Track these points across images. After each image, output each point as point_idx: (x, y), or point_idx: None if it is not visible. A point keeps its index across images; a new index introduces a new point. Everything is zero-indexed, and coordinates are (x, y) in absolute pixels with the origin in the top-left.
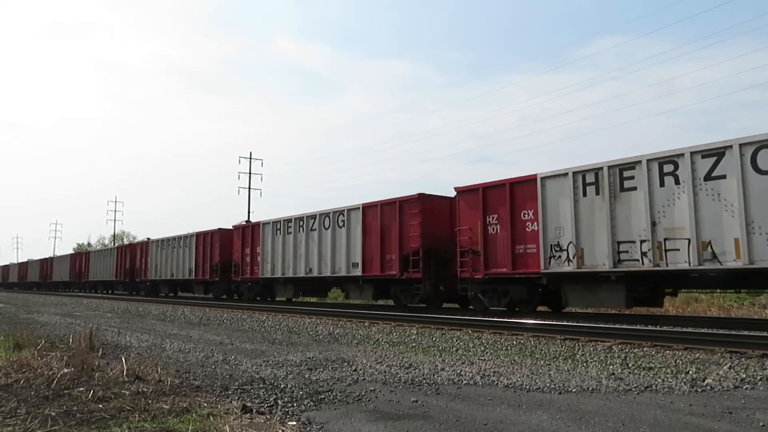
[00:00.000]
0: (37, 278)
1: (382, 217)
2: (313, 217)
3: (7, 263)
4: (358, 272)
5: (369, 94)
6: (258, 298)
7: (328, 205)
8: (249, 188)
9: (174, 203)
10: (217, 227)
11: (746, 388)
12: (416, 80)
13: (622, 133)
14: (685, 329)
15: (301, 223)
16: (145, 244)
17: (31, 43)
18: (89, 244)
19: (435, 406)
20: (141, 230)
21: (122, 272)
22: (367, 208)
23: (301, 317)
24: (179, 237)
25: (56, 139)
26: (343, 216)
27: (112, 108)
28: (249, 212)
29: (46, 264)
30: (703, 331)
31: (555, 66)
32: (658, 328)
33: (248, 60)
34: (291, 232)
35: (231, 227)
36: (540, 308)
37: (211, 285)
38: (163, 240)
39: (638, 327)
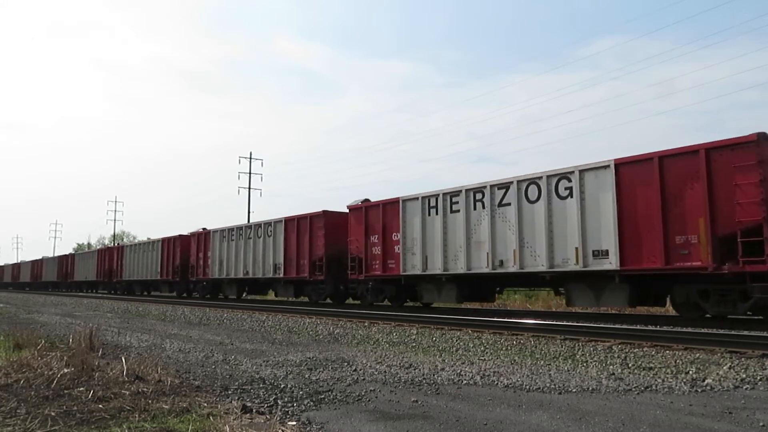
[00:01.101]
0: (29, 278)
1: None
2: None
3: (1, 264)
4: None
5: (369, 94)
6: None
7: (328, 205)
8: (249, 188)
9: (174, 203)
10: (177, 233)
11: (746, 388)
12: (416, 80)
13: (622, 133)
14: (685, 329)
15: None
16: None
17: (31, 43)
18: (89, 245)
19: (435, 406)
20: (141, 230)
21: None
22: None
23: (301, 317)
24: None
25: (56, 139)
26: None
27: (112, 108)
28: (249, 212)
29: (37, 265)
30: (703, 331)
31: (555, 66)
32: (658, 328)
33: (248, 60)
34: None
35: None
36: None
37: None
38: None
39: (638, 327)
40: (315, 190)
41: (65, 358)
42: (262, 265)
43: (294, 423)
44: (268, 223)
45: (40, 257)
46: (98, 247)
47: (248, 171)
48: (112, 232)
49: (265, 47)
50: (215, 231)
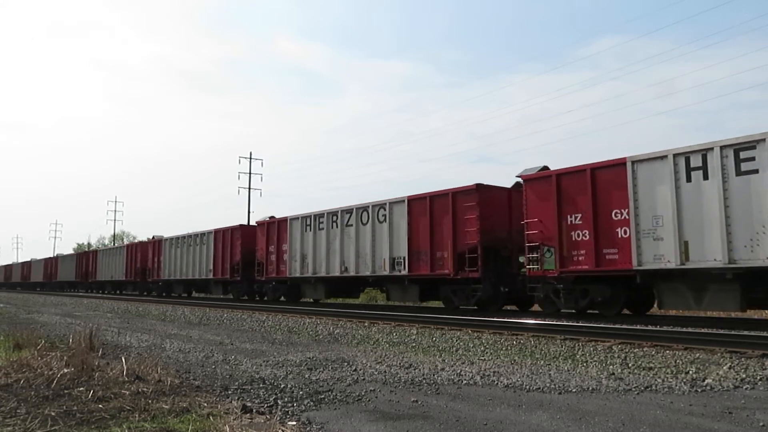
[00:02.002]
0: (20, 279)
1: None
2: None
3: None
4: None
5: (369, 94)
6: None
7: (329, 206)
8: (249, 188)
9: (174, 203)
10: (238, 224)
11: (746, 388)
12: (416, 80)
13: (622, 133)
14: (685, 329)
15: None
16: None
17: (31, 43)
18: (89, 245)
19: (435, 406)
20: (141, 230)
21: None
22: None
23: (301, 317)
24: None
25: (56, 139)
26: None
27: (112, 108)
28: (249, 212)
29: (26, 267)
30: (703, 331)
31: (555, 66)
32: (658, 328)
33: (248, 60)
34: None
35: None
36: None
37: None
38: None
39: (638, 327)
40: (315, 190)
41: (65, 358)
42: (370, 259)
43: (294, 423)
44: (379, 205)
45: (29, 259)
46: (126, 243)
47: (248, 171)
48: (112, 232)
49: (265, 47)
50: (294, 218)
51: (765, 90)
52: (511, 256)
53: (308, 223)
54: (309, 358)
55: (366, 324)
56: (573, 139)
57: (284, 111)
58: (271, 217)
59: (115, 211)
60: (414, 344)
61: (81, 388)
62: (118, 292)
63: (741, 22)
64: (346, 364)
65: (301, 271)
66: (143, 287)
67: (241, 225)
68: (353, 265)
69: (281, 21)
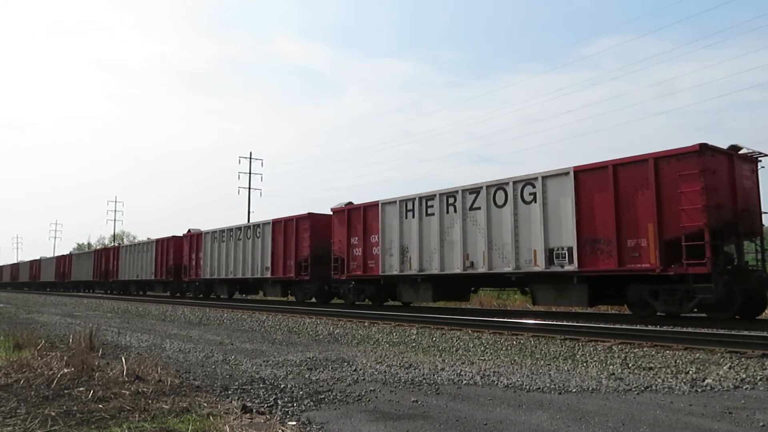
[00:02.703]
0: (9, 279)
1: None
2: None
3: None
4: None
5: (369, 94)
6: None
7: (328, 206)
8: (249, 188)
9: (174, 203)
10: (306, 212)
11: (746, 388)
12: (416, 80)
13: (622, 133)
14: (685, 329)
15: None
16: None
17: (31, 43)
18: (89, 245)
19: (435, 406)
20: (141, 230)
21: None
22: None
23: (301, 317)
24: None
25: (56, 139)
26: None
27: (112, 108)
28: (249, 212)
29: (15, 268)
30: (703, 331)
31: (555, 66)
32: (658, 328)
33: (248, 60)
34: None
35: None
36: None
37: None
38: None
39: (638, 327)
40: (315, 190)
41: (65, 358)
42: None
43: (294, 423)
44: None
45: (39, 257)
46: (92, 249)
47: (248, 171)
48: (112, 232)
49: (265, 47)
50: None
51: (765, 90)
52: (740, 243)
53: (409, 207)
54: (309, 358)
55: (366, 324)
56: (573, 139)
57: (284, 111)
58: (349, 203)
59: (115, 211)
60: (414, 344)
61: (81, 388)
62: (141, 293)
63: (741, 22)
64: (346, 364)
65: (401, 268)
66: (176, 287)
67: (310, 213)
68: (483, 260)
69: (281, 21)
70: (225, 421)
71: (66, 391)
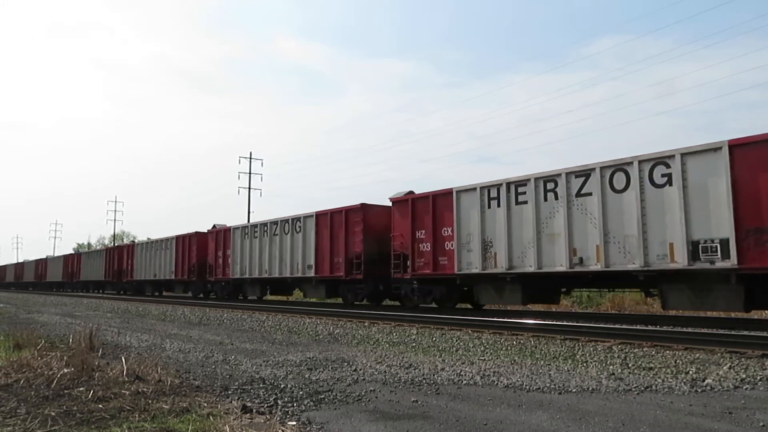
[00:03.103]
0: (13, 279)
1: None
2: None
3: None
4: (311, 273)
5: (369, 94)
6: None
7: (329, 205)
8: (249, 188)
9: (174, 203)
10: (194, 230)
11: (746, 388)
12: (416, 80)
13: (622, 133)
14: (685, 329)
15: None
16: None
17: (31, 43)
18: (89, 245)
19: (435, 406)
20: (141, 230)
21: (110, 272)
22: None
23: (301, 317)
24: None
25: (56, 139)
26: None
27: (112, 108)
28: (249, 212)
29: (19, 268)
30: (703, 331)
31: (555, 66)
32: (658, 328)
33: (248, 60)
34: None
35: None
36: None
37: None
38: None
39: (638, 327)
40: (315, 190)
41: (65, 358)
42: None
43: (294, 423)
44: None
45: (45, 256)
46: (104, 247)
47: (248, 171)
48: (112, 232)
49: (265, 47)
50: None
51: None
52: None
53: (493, 195)
54: (309, 358)
55: (366, 324)
56: (573, 139)
57: (284, 111)
58: (410, 192)
59: (115, 211)
60: (414, 344)
61: (81, 388)
62: (157, 294)
63: (741, 22)
64: (346, 364)
65: (483, 266)
66: (199, 288)
67: (362, 204)
68: (596, 256)
69: (281, 21)
70: (225, 421)
71: (66, 391)
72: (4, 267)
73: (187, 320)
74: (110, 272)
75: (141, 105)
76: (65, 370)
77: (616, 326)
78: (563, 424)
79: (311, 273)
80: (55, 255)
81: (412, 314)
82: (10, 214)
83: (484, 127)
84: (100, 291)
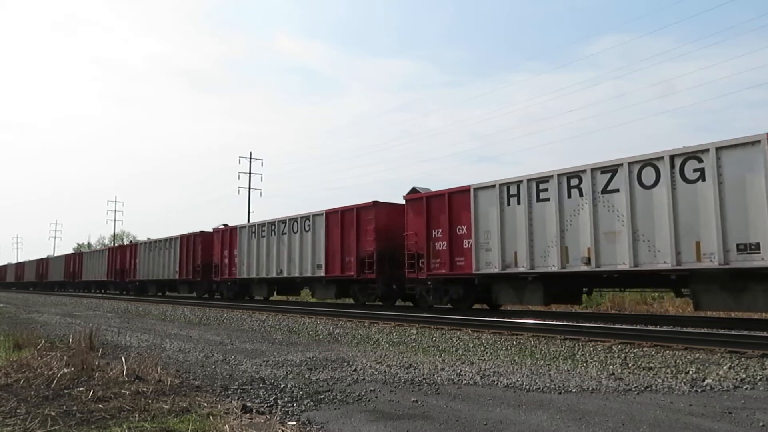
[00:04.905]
0: (13, 279)
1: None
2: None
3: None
4: (321, 273)
5: (369, 94)
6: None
7: (329, 205)
8: (249, 188)
9: (174, 203)
10: (198, 230)
11: (746, 388)
12: (417, 79)
13: (624, 132)
14: (685, 329)
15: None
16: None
17: (31, 42)
18: (89, 245)
19: (435, 406)
20: (141, 230)
21: (113, 271)
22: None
23: (301, 317)
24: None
25: (56, 138)
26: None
27: (112, 107)
28: (249, 212)
29: (20, 267)
30: (703, 331)
31: (557, 65)
32: (658, 328)
33: (248, 58)
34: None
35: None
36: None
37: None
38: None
39: (638, 327)
40: (315, 190)
41: (65, 358)
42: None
43: (294, 423)
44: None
45: (46, 256)
46: (109, 247)
47: (248, 171)
48: (112, 232)
49: (266, 46)
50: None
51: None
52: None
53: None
54: (309, 358)
55: (366, 324)
56: (574, 138)
57: (284, 110)
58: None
59: (115, 211)
60: (414, 344)
61: (81, 388)
62: (161, 294)
63: (743, 21)
64: (346, 364)
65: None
66: (204, 288)
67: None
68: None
69: (281, 19)
70: (225, 421)
71: (66, 391)
72: (5, 267)
73: (187, 320)
74: (113, 272)
75: (141, 104)
76: (65, 370)
77: (616, 326)
78: (563, 424)
79: (321, 273)
80: (56, 255)
81: (411, 314)
82: (10, 214)
83: (485, 126)
84: (103, 291)
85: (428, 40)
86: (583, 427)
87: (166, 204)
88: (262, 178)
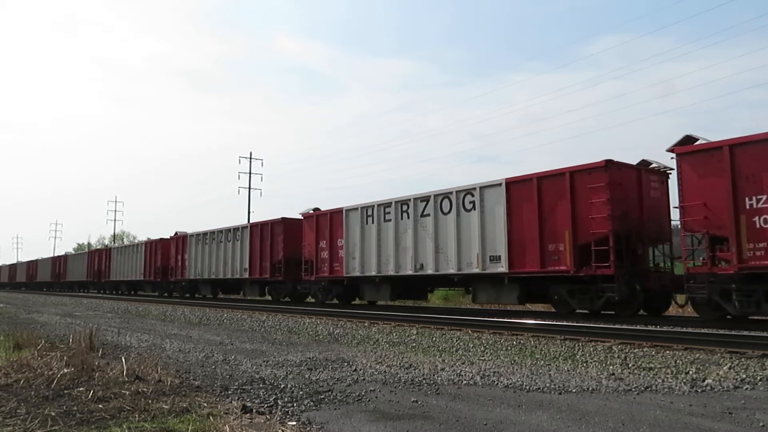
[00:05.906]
0: (7, 279)
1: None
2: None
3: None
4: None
5: (369, 94)
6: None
7: (329, 205)
8: (249, 188)
9: (174, 203)
10: (279, 217)
11: (746, 388)
12: (417, 79)
13: (624, 132)
14: (685, 329)
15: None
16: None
17: (31, 42)
18: (89, 244)
19: (435, 406)
20: (141, 230)
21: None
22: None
23: (301, 317)
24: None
25: (56, 138)
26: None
27: (112, 107)
28: (249, 212)
29: (12, 269)
30: (703, 331)
31: (557, 65)
32: (658, 328)
33: (248, 58)
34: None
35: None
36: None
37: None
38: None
39: (638, 327)
40: (315, 190)
41: (65, 358)
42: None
43: (294, 423)
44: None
45: (36, 258)
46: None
47: (248, 171)
48: (112, 232)
49: (266, 46)
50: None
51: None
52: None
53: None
54: (309, 358)
55: (366, 324)
56: (574, 138)
57: (284, 110)
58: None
59: (115, 211)
60: (414, 344)
61: (81, 388)
62: (132, 293)
63: (743, 21)
64: (346, 364)
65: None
66: (164, 287)
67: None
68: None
69: (281, 19)
70: (225, 421)
71: (66, 391)
72: (35, 263)
73: (187, 320)
74: (92, 273)
75: (141, 104)
76: (65, 370)
77: (616, 326)
78: (563, 424)
79: (246, 275)
80: (45, 257)
81: (411, 315)
82: (10, 214)
83: (485, 126)
84: (85, 290)
85: (428, 40)
86: (584, 427)
87: (166, 204)
88: (262, 178)
